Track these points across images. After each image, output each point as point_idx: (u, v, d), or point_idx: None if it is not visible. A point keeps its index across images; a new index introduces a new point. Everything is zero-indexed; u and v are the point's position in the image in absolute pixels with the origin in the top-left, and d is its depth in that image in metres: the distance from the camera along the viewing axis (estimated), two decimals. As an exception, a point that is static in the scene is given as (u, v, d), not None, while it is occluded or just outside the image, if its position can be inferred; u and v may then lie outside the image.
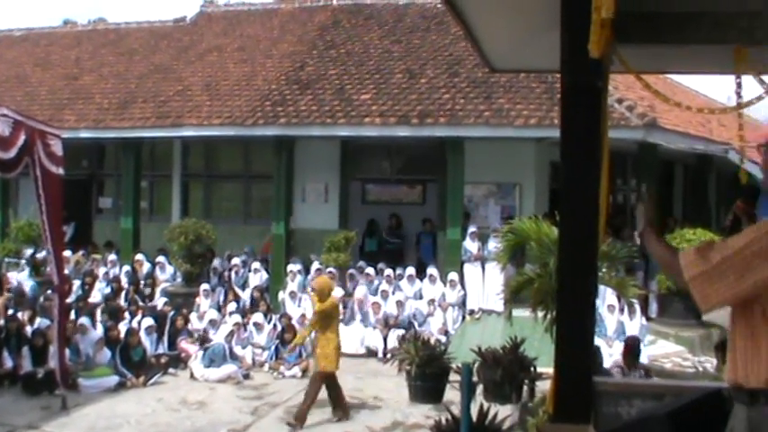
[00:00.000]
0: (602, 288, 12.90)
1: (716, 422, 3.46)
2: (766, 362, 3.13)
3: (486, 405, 6.38)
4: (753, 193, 3.54)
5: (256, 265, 20.46)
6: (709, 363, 14.44)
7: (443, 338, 16.32)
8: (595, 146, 6.05)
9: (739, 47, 7.30)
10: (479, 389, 6.30)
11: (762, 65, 7.58)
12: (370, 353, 17.14)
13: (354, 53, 23.61)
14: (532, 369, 6.53)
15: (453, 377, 6.40)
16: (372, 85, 21.42)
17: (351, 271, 19.43)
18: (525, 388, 6.59)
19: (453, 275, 18.64)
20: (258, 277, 20.10)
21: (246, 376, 15.31)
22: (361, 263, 20.11)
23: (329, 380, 12.51)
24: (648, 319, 17.56)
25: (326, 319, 12.50)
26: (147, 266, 20.75)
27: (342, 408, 12.59)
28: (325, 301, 12.54)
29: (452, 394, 6.50)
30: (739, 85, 7.74)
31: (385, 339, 17.11)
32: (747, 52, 7.30)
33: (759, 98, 7.64)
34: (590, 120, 6.06)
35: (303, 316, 17.14)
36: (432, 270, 19.09)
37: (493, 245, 17.39)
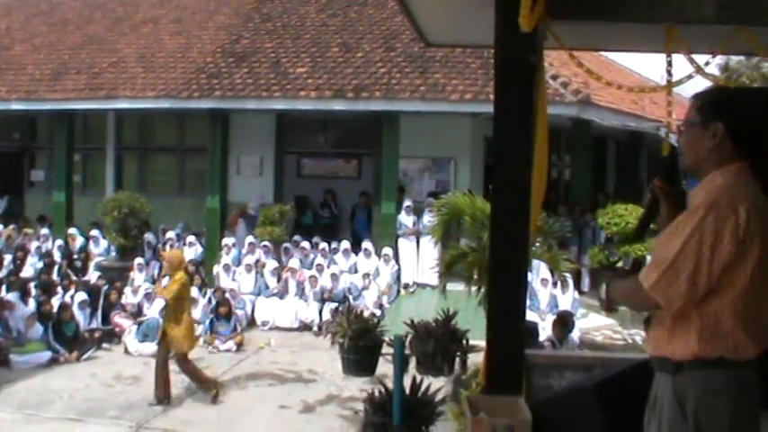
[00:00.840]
0: (535, 262, 13.07)
1: (641, 391, 3.55)
2: (694, 338, 3.25)
3: (418, 377, 6.42)
4: (670, 172, 3.60)
5: (191, 238, 20.31)
6: (639, 335, 14.71)
7: (378, 312, 16.42)
8: (528, 121, 6.10)
9: (670, 26, 7.41)
10: (412, 361, 6.34)
11: (692, 44, 7.71)
12: (305, 326, 17.15)
13: (290, 26, 23.44)
14: (465, 341, 6.58)
15: (386, 350, 6.43)
16: (308, 59, 21.29)
17: (286, 245, 19.37)
18: (457, 360, 6.65)
19: (387, 250, 18.69)
20: (193, 251, 19.96)
21: (180, 350, 15.19)
22: (297, 237, 20.07)
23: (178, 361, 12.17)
24: (581, 292, 17.82)
25: (176, 299, 11.89)
26: (80, 240, 20.47)
27: (207, 384, 12.37)
28: (175, 276, 11.95)
29: (386, 367, 6.52)
30: (670, 64, 7.85)
31: (320, 313, 17.13)
32: (678, 31, 7.41)
33: (689, 77, 7.76)
34: (523, 95, 6.12)
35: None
36: (367, 244, 19.12)
37: (427, 219, 17.46)
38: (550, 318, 14.96)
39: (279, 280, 17.92)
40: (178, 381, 12.97)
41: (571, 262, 11.56)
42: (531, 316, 14.72)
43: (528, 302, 15.34)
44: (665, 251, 3.22)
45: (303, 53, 21.69)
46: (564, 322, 13.42)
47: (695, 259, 3.17)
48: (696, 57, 7.94)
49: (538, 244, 10.15)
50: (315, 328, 16.88)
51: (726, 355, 3.25)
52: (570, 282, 16.00)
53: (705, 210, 3.16)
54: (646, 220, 3.67)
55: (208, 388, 12.25)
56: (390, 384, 6.17)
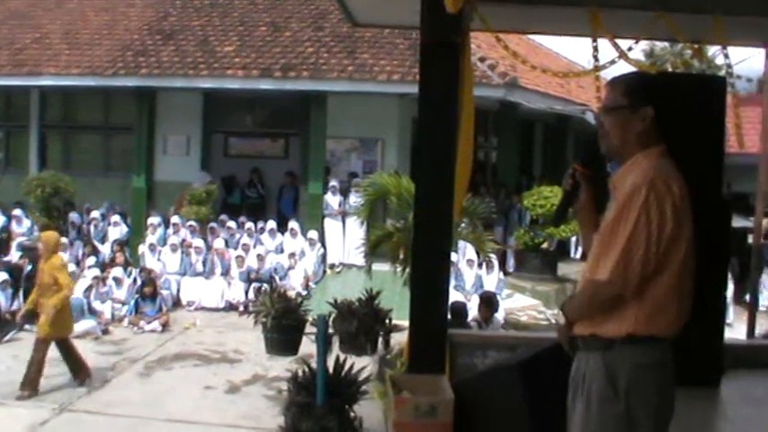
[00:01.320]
0: (461, 243, 13.16)
1: (563, 369, 3.60)
2: (631, 317, 3.32)
3: (342, 357, 6.44)
4: (590, 156, 3.64)
5: (116, 218, 20.03)
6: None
7: (304, 292, 16.41)
8: (453, 102, 6.13)
9: (594, 10, 7.50)
10: (336, 341, 6.36)
11: (616, 28, 7.82)
12: (231, 306, 17.07)
13: (218, 4, 23.20)
14: (388, 321, 6.62)
15: (310, 329, 6.44)
16: (236, 37, 21.12)
17: (212, 224, 19.22)
18: (380, 340, 6.69)
19: (313, 234, 18.64)
20: (118, 231, 19.71)
21: (105, 331, 15.01)
22: (223, 216, 19.93)
23: (61, 346, 11.79)
24: (506, 273, 18.00)
25: (47, 283, 11.47)
26: (2, 220, 20.08)
27: (82, 371, 12.01)
28: (50, 259, 11.58)
29: (310, 347, 6.54)
30: (596, 49, 7.96)
31: (246, 293, 17.05)
32: (602, 16, 7.51)
33: (612, 62, 7.87)
34: (447, 76, 6.15)
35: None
36: (293, 224, 19.07)
37: (354, 199, 17.47)
38: (476, 298, 15.07)
39: (205, 260, 17.78)
40: (102, 361, 12.85)
41: (496, 243, 11.69)
42: (456, 296, 14.84)
43: (453, 283, 15.57)
44: (614, 238, 3.27)
45: (231, 32, 21.49)
46: (489, 303, 13.52)
47: (646, 239, 3.24)
48: (620, 42, 8.06)
49: (464, 225, 10.24)
50: (241, 308, 16.79)
51: (657, 333, 3.34)
52: (495, 263, 16.15)
53: (646, 190, 3.23)
54: (565, 205, 3.69)
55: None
56: (315, 364, 6.18)
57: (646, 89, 3.49)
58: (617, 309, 3.32)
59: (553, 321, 14.86)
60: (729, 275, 16.79)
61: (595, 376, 3.36)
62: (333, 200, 19.48)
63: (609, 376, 3.32)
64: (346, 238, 19.00)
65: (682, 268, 3.33)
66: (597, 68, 7.90)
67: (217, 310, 16.97)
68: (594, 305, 3.40)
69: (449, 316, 12.43)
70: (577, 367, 3.50)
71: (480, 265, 16.21)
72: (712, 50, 8.35)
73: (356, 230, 17.36)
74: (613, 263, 3.24)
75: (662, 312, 3.32)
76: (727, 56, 8.32)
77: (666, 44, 29.30)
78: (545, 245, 18.53)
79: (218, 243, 18.10)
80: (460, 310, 12.69)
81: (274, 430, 7.23)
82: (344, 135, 20.45)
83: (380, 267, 10.48)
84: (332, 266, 19.01)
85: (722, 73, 8.44)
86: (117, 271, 16.82)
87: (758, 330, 15.63)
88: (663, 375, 3.36)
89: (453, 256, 15.33)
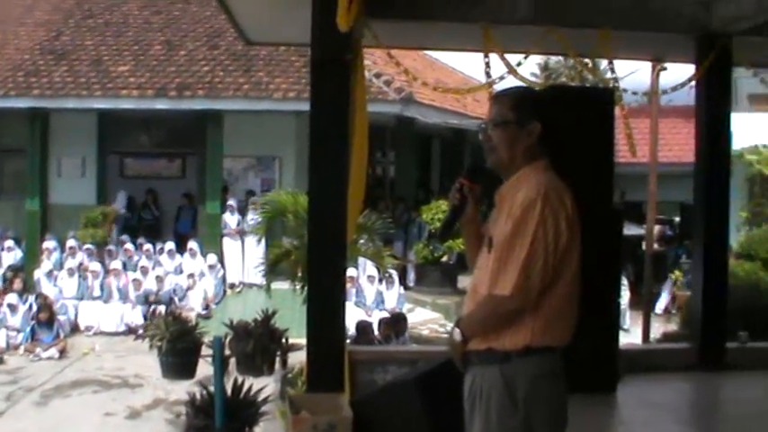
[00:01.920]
0: (362, 259, 13.17)
1: (459, 382, 3.60)
2: (527, 330, 3.34)
3: (240, 378, 6.37)
4: (477, 170, 3.67)
5: (9, 243, 19.53)
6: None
7: (204, 312, 16.25)
8: (344, 119, 6.13)
9: (485, 26, 7.60)
10: (232, 362, 6.29)
11: (507, 44, 7.94)
12: (131, 330, 16.73)
13: (113, 23, 22.88)
14: (284, 340, 6.57)
15: (207, 352, 6.35)
16: (130, 57, 20.85)
17: (110, 247, 18.87)
18: (278, 359, 6.64)
19: (212, 258, 18.43)
20: (12, 256, 19.22)
21: (0, 360, 14.61)
22: (124, 237, 19.59)
23: None
24: (406, 288, 18.06)
25: None
26: None
27: None
28: None
29: (208, 369, 6.44)
30: (488, 65, 8.07)
31: (145, 316, 16.75)
32: (493, 32, 7.62)
33: (502, 77, 7.98)
34: (339, 93, 6.15)
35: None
36: (191, 244, 18.84)
37: (252, 217, 17.37)
38: (377, 314, 15.12)
39: (102, 284, 17.43)
40: (-3, 392, 12.51)
41: (396, 258, 11.71)
42: (358, 313, 14.87)
43: (354, 299, 15.60)
44: (512, 252, 3.28)
45: (125, 51, 21.21)
46: (396, 321, 13.66)
47: (544, 252, 3.27)
48: (513, 56, 8.19)
49: (362, 241, 10.25)
50: (140, 332, 16.46)
51: (552, 343, 3.39)
52: (396, 278, 16.24)
53: (541, 203, 3.26)
54: (452, 219, 3.69)
55: None
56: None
57: (533, 104, 3.53)
58: (513, 322, 3.35)
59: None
60: (625, 282, 17.20)
61: (494, 389, 3.37)
62: (231, 219, 19.33)
63: (507, 388, 3.34)
64: (246, 258, 18.87)
65: (574, 278, 3.38)
66: (490, 84, 8.01)
67: (116, 334, 16.61)
68: (495, 320, 3.41)
69: (353, 333, 12.56)
70: (473, 382, 3.50)
71: (381, 281, 16.26)
72: (604, 64, 8.54)
73: (255, 249, 17.25)
74: (514, 277, 3.26)
75: (557, 323, 3.37)
76: (613, 70, 8.52)
77: (561, 58, 29.81)
78: (445, 258, 18.66)
79: (115, 265, 17.75)
80: (366, 327, 12.73)
81: (175, 455, 7.13)
82: (241, 153, 20.36)
83: (280, 286, 10.41)
84: (232, 286, 18.84)
85: (613, 86, 8.63)
86: (11, 297, 16.36)
87: (654, 335, 16.04)
88: (557, 384, 3.41)
89: (354, 273, 15.38)
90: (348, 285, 14.90)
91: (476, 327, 3.49)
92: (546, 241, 3.26)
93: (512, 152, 3.47)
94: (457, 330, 3.53)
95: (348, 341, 13.20)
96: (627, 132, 9.17)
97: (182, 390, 11.49)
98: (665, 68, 16.34)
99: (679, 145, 22.74)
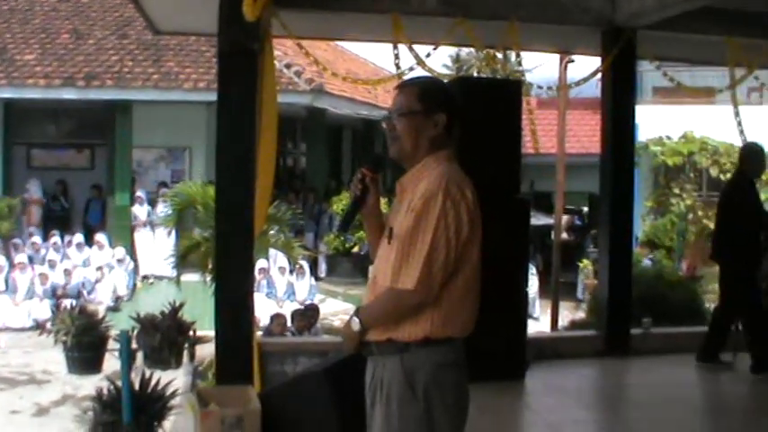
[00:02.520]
0: (273, 251, 13.13)
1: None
2: (427, 321, 3.34)
3: (147, 372, 6.30)
4: (379, 160, 3.67)
5: None
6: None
7: (114, 305, 16.02)
8: (251, 109, 6.10)
9: (396, 16, 7.64)
10: (140, 356, 6.22)
11: (417, 35, 7.98)
12: (39, 325, 16.37)
13: (18, 10, 22.34)
14: (192, 333, 6.52)
15: (114, 346, 6.27)
16: (37, 45, 20.41)
17: (15, 240, 18.46)
18: (186, 352, 6.58)
19: (120, 252, 18.16)
20: None
21: None
22: (31, 229, 19.20)
23: None
24: (318, 278, 18.05)
25: None
26: None
27: None
28: None
29: (116, 363, 6.35)
30: (397, 56, 8.10)
31: (53, 310, 16.42)
32: (402, 22, 7.66)
33: (411, 69, 8.03)
34: (246, 83, 6.12)
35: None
36: (100, 237, 18.54)
37: (162, 209, 17.17)
38: (288, 305, 15.10)
39: (7, 278, 17.04)
40: None
41: (307, 249, 11.69)
42: (268, 304, 14.83)
43: (266, 290, 15.54)
44: (415, 246, 3.28)
45: (32, 39, 20.74)
46: (309, 312, 13.66)
47: (445, 245, 3.26)
48: (423, 47, 8.24)
49: (273, 232, 10.21)
50: (49, 326, 16.13)
51: (453, 334, 3.39)
52: (306, 269, 16.23)
53: (443, 195, 3.26)
54: (353, 210, 3.69)
55: None
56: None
57: (439, 94, 3.53)
58: (413, 313, 3.36)
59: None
60: (533, 271, 17.46)
61: (394, 379, 3.38)
62: (140, 210, 19.08)
63: (407, 379, 3.35)
64: (156, 250, 18.63)
65: (473, 271, 3.40)
66: (399, 75, 8.05)
67: (23, 329, 16.26)
68: (397, 313, 3.40)
69: (267, 324, 12.51)
70: (373, 373, 3.51)
71: (292, 272, 16.23)
72: (514, 56, 8.65)
73: (165, 241, 17.06)
74: (418, 272, 3.26)
75: (457, 314, 3.38)
76: (520, 63, 8.64)
77: (472, 50, 30.07)
78: (356, 249, 18.69)
79: (21, 259, 17.35)
80: (281, 319, 12.73)
81: (82, 452, 7.01)
82: (151, 144, 20.11)
83: (191, 278, 10.33)
84: (143, 278, 18.61)
85: (524, 78, 8.75)
86: None
87: (563, 323, 16.31)
88: (458, 374, 3.42)
89: (265, 264, 15.32)
90: (259, 277, 14.90)
91: (377, 318, 3.49)
92: (447, 235, 3.26)
93: (416, 142, 3.47)
94: (356, 320, 3.49)
95: (261, 333, 13.26)
96: (531, 129, 9.32)
97: (90, 385, 11.32)
98: (572, 61, 16.62)
99: (587, 136, 23.14)
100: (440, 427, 3.35)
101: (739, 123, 9.12)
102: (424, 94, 3.49)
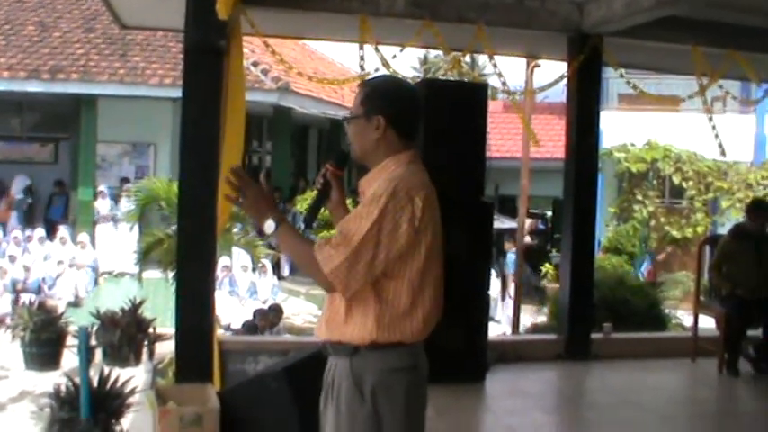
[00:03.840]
0: (236, 249, 13.10)
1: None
2: (372, 324, 3.32)
3: (106, 369, 6.26)
4: (343, 157, 3.67)
5: None
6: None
7: (74, 301, 15.90)
8: (216, 106, 6.08)
9: (364, 17, 7.64)
10: (99, 353, 6.17)
11: (385, 36, 7.99)
12: (-4, 320, 16.25)
13: (-18, 2, 22.14)
14: (152, 330, 6.49)
15: (72, 342, 6.22)
16: (1, 37, 20.20)
17: (-24, 235, 18.29)
18: (146, 349, 6.54)
19: (84, 237, 18.08)
20: None
21: None
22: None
23: None
24: (280, 278, 18.02)
25: None
26: None
27: None
28: None
29: (74, 360, 6.31)
30: (362, 57, 8.11)
31: (13, 305, 16.27)
32: (371, 23, 7.65)
33: (376, 70, 8.03)
34: (212, 81, 6.09)
35: None
36: (62, 232, 18.39)
37: (125, 205, 17.08)
38: (250, 303, 15.08)
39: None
40: None
41: (270, 248, 11.66)
42: (231, 302, 14.80)
43: (228, 288, 15.51)
44: (348, 237, 3.28)
45: (-5, 31, 20.55)
46: (273, 312, 13.69)
47: (374, 247, 3.25)
48: (390, 49, 8.25)
49: (236, 230, 10.19)
50: (8, 321, 15.99)
51: (402, 339, 3.36)
52: (269, 267, 16.20)
53: (386, 198, 3.24)
54: (317, 206, 3.69)
55: None
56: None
57: (378, 96, 3.47)
58: (359, 316, 3.36)
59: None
60: (495, 274, 17.52)
61: (343, 381, 3.38)
62: (103, 205, 18.95)
63: (355, 380, 3.34)
64: (119, 246, 18.51)
65: (421, 276, 3.37)
66: (364, 76, 8.05)
67: (-19, 325, 16.11)
68: (303, 269, 3.42)
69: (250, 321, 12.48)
70: (328, 371, 3.52)
71: (254, 271, 16.20)
72: (482, 60, 8.74)
73: (128, 237, 16.96)
74: (339, 261, 3.24)
75: (404, 319, 3.36)
76: (495, 65, 8.67)
77: (440, 52, 30.18)
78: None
79: (-18, 253, 17.22)
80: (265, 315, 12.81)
81: (38, 450, 6.92)
82: (116, 139, 19.95)
83: (153, 274, 10.27)
84: (104, 274, 18.47)
85: (491, 81, 8.78)
86: None
87: (524, 326, 16.36)
88: (413, 377, 3.41)
89: (227, 262, 15.28)
90: (222, 275, 14.86)
91: (288, 249, 3.50)
92: (379, 237, 3.24)
93: (362, 146, 3.47)
94: (272, 224, 3.38)
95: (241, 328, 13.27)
96: (526, 126, 9.34)
97: (49, 381, 11.22)
98: (538, 65, 16.68)
99: (552, 141, 23.27)
100: (389, 430, 3.36)
101: (713, 127, 9.15)
102: (366, 98, 3.48)
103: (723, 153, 9.34)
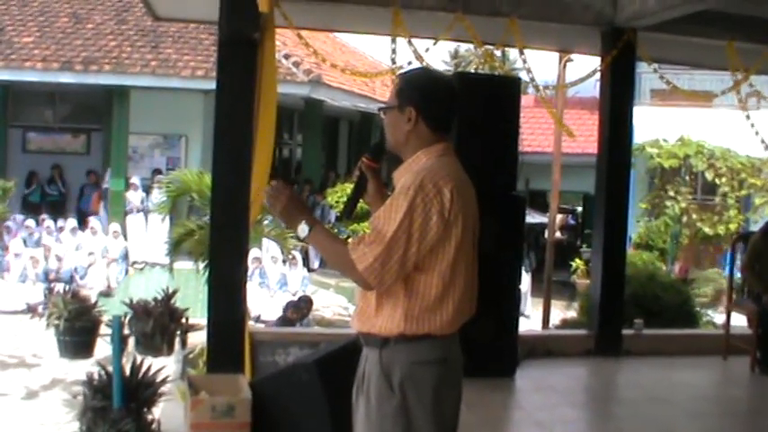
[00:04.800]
0: (266, 240, 13.14)
1: (356, 364, 3.62)
2: (400, 316, 3.32)
3: (139, 358, 6.29)
4: (379, 149, 3.67)
5: None
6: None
7: (105, 291, 16.01)
8: (250, 98, 6.09)
9: (397, 9, 7.63)
10: (131, 342, 6.20)
11: (417, 29, 7.99)
12: (30, 309, 16.35)
13: (17, -7, 22.31)
14: (184, 320, 6.50)
15: (106, 331, 6.25)
16: (36, 28, 20.39)
17: (8, 223, 18.42)
18: (178, 339, 6.56)
19: (115, 226, 18.23)
20: None
21: None
22: (19, 216, 19.12)
23: None
24: (310, 270, 18.05)
25: None
26: None
27: None
28: None
29: (107, 349, 6.34)
30: (394, 50, 8.11)
31: (45, 294, 16.37)
32: (403, 16, 7.65)
33: (409, 63, 8.03)
34: (245, 72, 6.11)
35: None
36: (94, 222, 18.53)
37: (157, 196, 17.18)
38: (280, 295, 15.13)
39: (0, 261, 17.03)
40: None
41: (300, 240, 11.68)
42: (260, 293, 14.85)
43: (259, 280, 15.56)
44: (380, 233, 3.28)
45: (30, 22, 20.72)
46: (303, 304, 13.74)
47: (407, 241, 3.24)
48: (422, 42, 8.24)
49: (267, 222, 10.21)
50: (40, 310, 16.09)
51: (432, 331, 3.35)
52: (299, 259, 16.23)
53: (414, 191, 3.24)
54: (355, 198, 3.70)
55: None
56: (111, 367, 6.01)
57: (410, 88, 3.48)
58: (389, 308, 3.36)
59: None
60: (526, 269, 17.48)
61: (374, 373, 3.39)
62: (134, 196, 19.07)
63: (384, 373, 3.35)
64: (150, 236, 18.63)
65: (451, 269, 3.36)
66: (394, 70, 8.06)
67: (15, 313, 16.24)
68: (337, 268, 3.47)
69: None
70: (361, 363, 3.53)
71: (284, 262, 16.24)
72: (514, 54, 8.75)
73: (159, 228, 17.06)
74: (373, 258, 3.25)
75: (433, 312, 3.35)
76: (525, 60, 8.65)
77: (471, 46, 30.11)
78: (349, 241, 18.66)
79: (15, 242, 17.35)
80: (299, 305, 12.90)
81: (70, 437, 7.00)
82: (148, 131, 20.09)
83: (184, 265, 10.33)
84: (135, 264, 18.60)
85: (522, 75, 8.76)
86: None
87: (554, 321, 16.34)
88: (443, 371, 3.39)
89: (258, 254, 15.33)
90: (253, 266, 14.92)
91: (321, 250, 3.52)
92: (410, 231, 3.24)
93: (395, 137, 3.48)
94: (305, 228, 3.38)
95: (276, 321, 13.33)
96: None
97: (81, 370, 11.31)
98: (571, 60, 16.64)
99: (584, 136, 23.17)
100: (418, 423, 3.34)
101: (756, 131, 9.08)
102: (400, 89, 3.49)
103: (767, 148, 9.27)
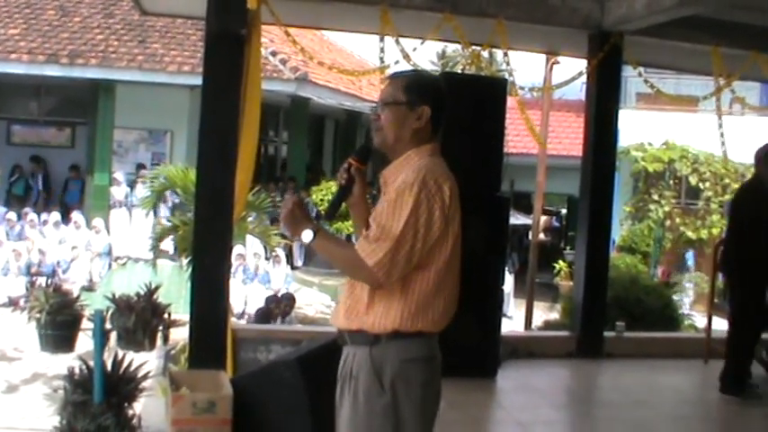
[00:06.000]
0: (250, 237, 13.13)
1: (338, 362, 3.61)
2: (396, 313, 3.33)
3: (120, 353, 6.28)
4: (366, 151, 3.67)
5: None
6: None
7: (88, 285, 15.96)
8: (235, 94, 6.09)
9: (385, 8, 7.64)
10: (113, 337, 6.20)
11: (405, 29, 7.99)
12: (12, 302, 16.27)
13: (2, -16, 22.20)
14: (167, 316, 6.50)
15: (87, 325, 6.24)
16: (21, 20, 20.28)
17: (-11, 216, 18.35)
18: (160, 335, 6.56)
19: (98, 221, 18.13)
20: None
21: None
22: (2, 208, 19.06)
23: None
24: (294, 268, 18.05)
25: None
26: None
27: None
28: None
29: (89, 343, 6.32)
30: (382, 49, 8.11)
31: (27, 288, 16.31)
32: (391, 15, 7.66)
33: (396, 62, 8.04)
34: (232, 68, 6.11)
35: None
36: (77, 216, 18.46)
37: (141, 191, 17.13)
38: (263, 291, 15.12)
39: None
40: None
41: (284, 237, 11.65)
42: (243, 290, 14.84)
43: (242, 277, 15.55)
44: (386, 229, 3.28)
45: (16, 14, 20.61)
46: (285, 301, 13.73)
47: (413, 238, 3.26)
48: (409, 41, 8.25)
49: (251, 219, 10.19)
50: (21, 304, 16.04)
51: (424, 328, 3.37)
52: (283, 257, 16.22)
53: (418, 187, 3.25)
54: (339, 200, 3.68)
55: None
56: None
57: (425, 87, 3.52)
58: (383, 305, 3.37)
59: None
60: (509, 270, 17.51)
61: (362, 370, 3.38)
62: (117, 191, 19.02)
63: (375, 371, 3.35)
64: (133, 231, 18.58)
65: (446, 266, 3.39)
66: (384, 68, 8.06)
67: (-4, 306, 16.18)
68: (346, 269, 3.44)
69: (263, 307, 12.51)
70: (345, 361, 3.51)
71: (268, 260, 16.23)
72: (500, 56, 8.73)
73: (143, 223, 17.04)
74: (383, 254, 3.26)
75: (427, 309, 3.37)
76: (508, 62, 8.67)
77: (458, 47, 30.13)
78: (334, 240, 18.68)
79: (-4, 235, 17.28)
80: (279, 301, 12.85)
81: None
82: (133, 126, 20.02)
83: (167, 261, 10.29)
84: (118, 259, 18.54)
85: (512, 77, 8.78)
86: None
87: (536, 323, 16.36)
88: (429, 369, 3.41)
89: (242, 250, 15.32)
90: (237, 263, 14.90)
91: (329, 254, 3.49)
92: (416, 226, 3.25)
93: (398, 133, 3.47)
94: (310, 233, 3.38)
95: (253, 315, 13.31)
96: (528, 126, 9.38)
97: (62, 364, 11.25)
98: (558, 62, 16.66)
99: (569, 138, 23.21)
100: (406, 421, 3.34)
101: (721, 134, 9.14)
102: (410, 86, 3.49)
103: (725, 156, 9.31)
